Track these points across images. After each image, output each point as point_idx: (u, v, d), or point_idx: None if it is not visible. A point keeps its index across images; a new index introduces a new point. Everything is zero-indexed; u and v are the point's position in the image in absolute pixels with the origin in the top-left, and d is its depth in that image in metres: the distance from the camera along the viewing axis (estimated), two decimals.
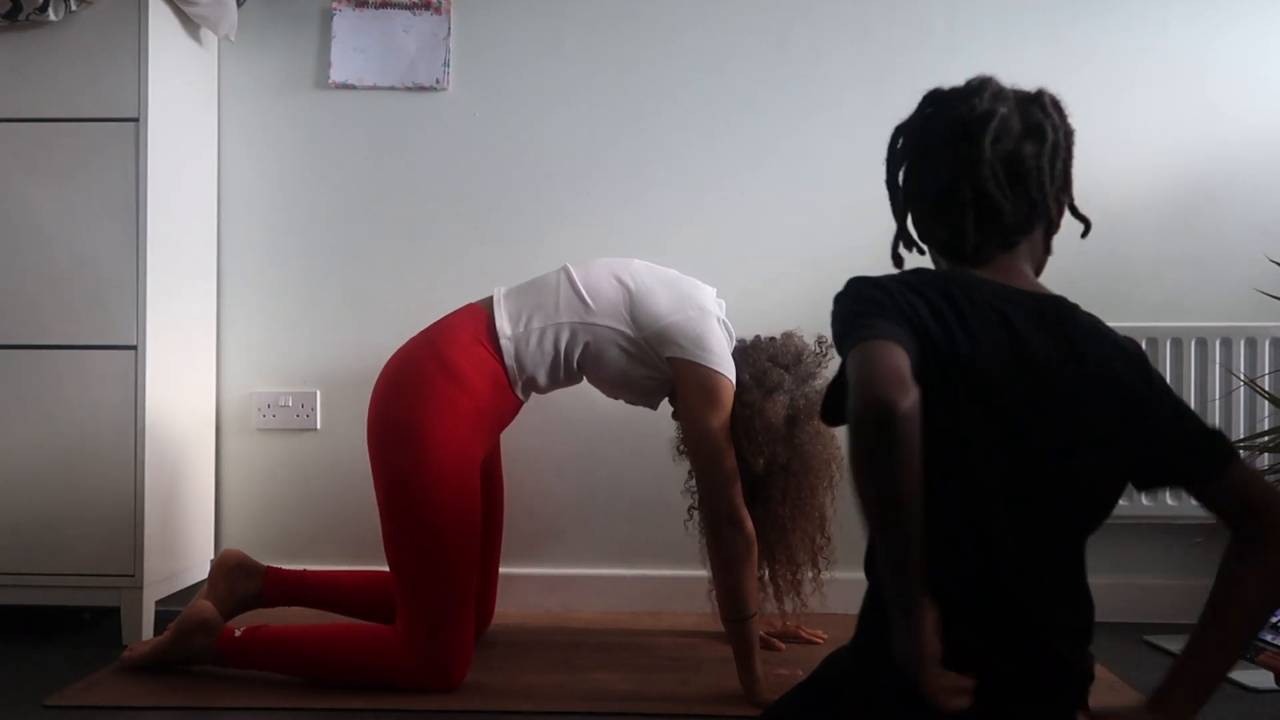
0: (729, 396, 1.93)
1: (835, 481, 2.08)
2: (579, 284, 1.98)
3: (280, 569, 2.14)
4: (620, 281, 1.99)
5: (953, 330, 1.10)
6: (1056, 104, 1.21)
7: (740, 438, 1.94)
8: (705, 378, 1.91)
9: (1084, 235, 1.26)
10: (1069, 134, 1.21)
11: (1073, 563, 1.14)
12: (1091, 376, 1.12)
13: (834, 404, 1.13)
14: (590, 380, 2.07)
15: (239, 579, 2.09)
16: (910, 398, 0.97)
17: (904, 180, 1.25)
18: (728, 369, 1.93)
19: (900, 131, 1.26)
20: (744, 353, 2.05)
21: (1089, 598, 1.15)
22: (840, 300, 1.17)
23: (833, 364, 2.10)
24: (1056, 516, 1.11)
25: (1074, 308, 1.18)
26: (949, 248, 1.21)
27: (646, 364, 1.97)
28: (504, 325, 1.96)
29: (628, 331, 1.95)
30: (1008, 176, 1.17)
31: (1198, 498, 1.17)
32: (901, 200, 1.26)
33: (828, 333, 2.50)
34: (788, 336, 2.09)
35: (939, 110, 1.21)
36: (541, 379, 1.99)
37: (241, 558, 2.11)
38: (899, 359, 1.01)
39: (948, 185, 1.18)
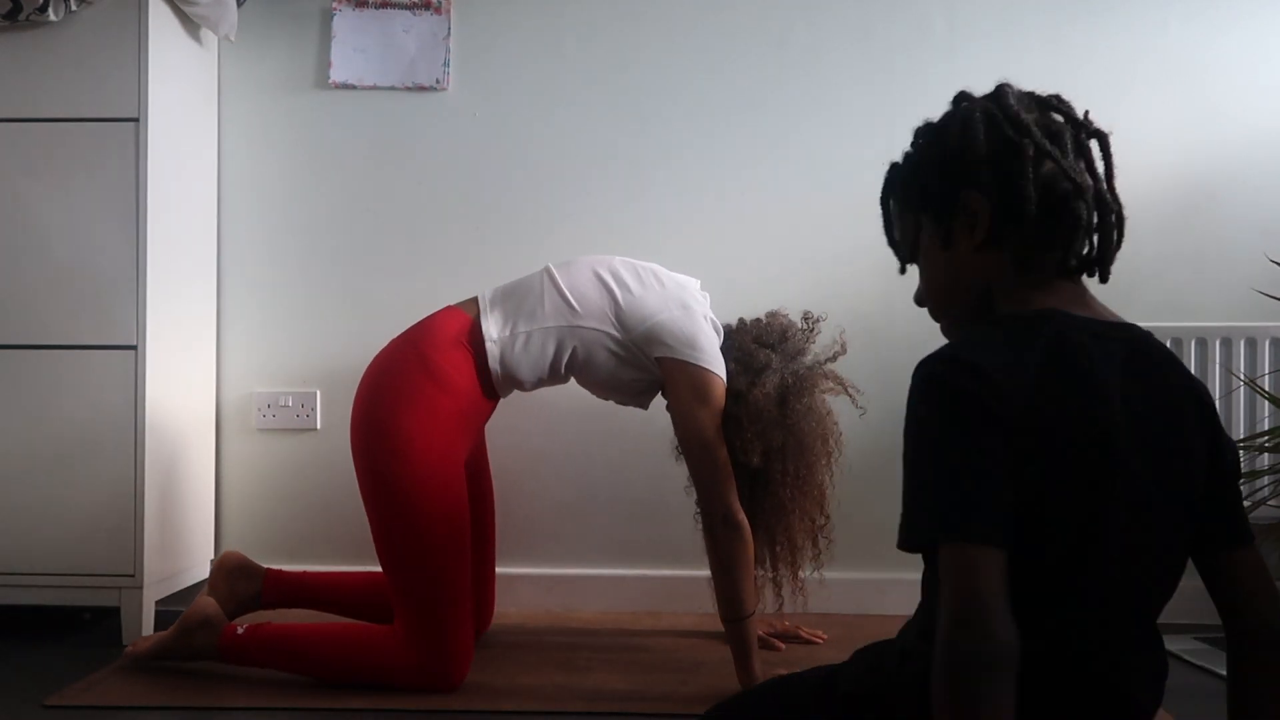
0: (720, 394, 1.92)
1: (834, 458, 2.05)
2: (563, 287, 1.97)
3: (280, 570, 2.15)
4: (603, 282, 1.98)
5: (1066, 395, 1.00)
6: None
7: (732, 436, 1.94)
8: (695, 376, 1.91)
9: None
10: None
11: (1157, 611, 1.09)
12: (1181, 411, 1.07)
13: (916, 526, 1.00)
14: (579, 382, 2.07)
15: (239, 580, 2.09)
16: (1009, 634, 0.90)
17: (1048, 183, 1.08)
18: (718, 366, 1.93)
19: (1007, 123, 1.10)
20: (728, 338, 2.04)
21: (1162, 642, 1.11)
22: (917, 422, 1.02)
23: (821, 337, 2.08)
24: (1155, 569, 1.06)
25: (1148, 336, 1.10)
26: (1080, 259, 1.09)
27: (635, 365, 1.97)
28: (490, 328, 1.95)
29: (615, 334, 1.95)
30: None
31: (1209, 567, 1.12)
32: (1018, 200, 1.08)
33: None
34: (772, 315, 2.08)
35: (1050, 110, 1.12)
36: (526, 381, 1.99)
37: (241, 559, 2.11)
38: (995, 574, 0.93)
39: (1091, 187, 1.09)
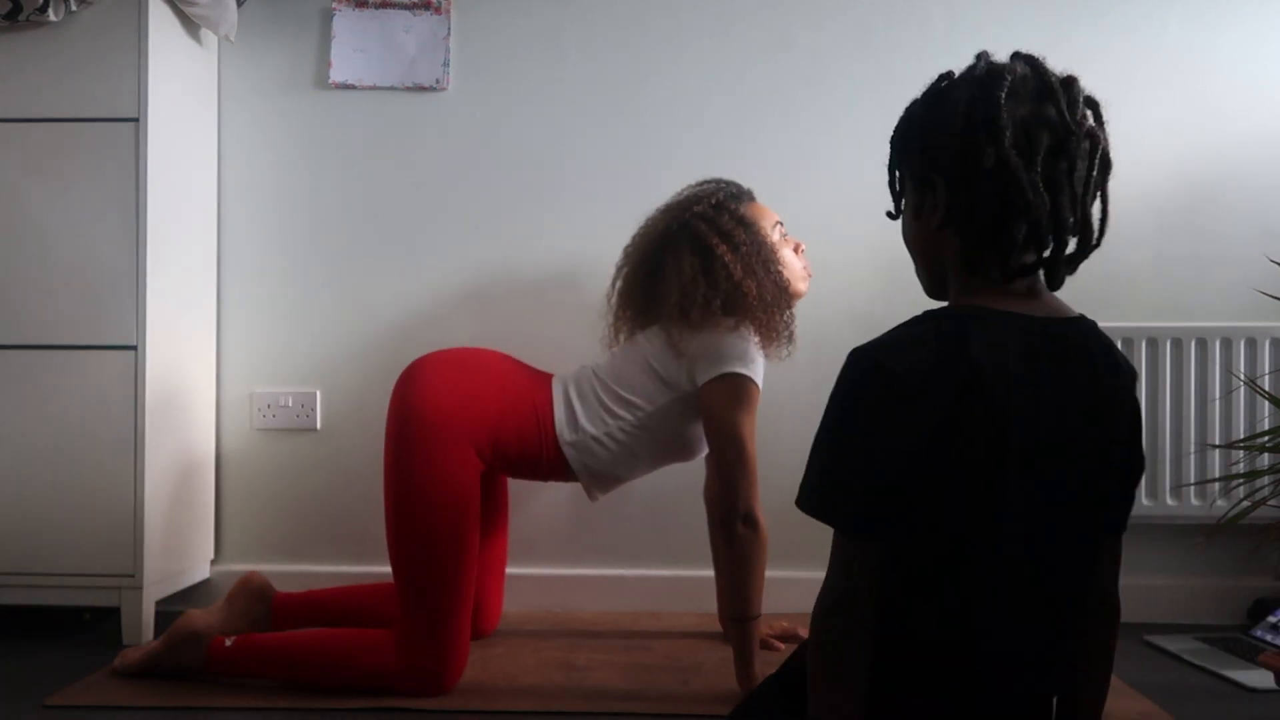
0: (755, 397, 1.94)
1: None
2: (616, 387, 1.99)
3: (287, 594, 2.15)
4: (643, 359, 2.00)
5: (975, 403, 1.06)
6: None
7: (714, 280, 1.93)
8: (731, 383, 1.91)
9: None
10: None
11: (1066, 596, 1.16)
12: (1109, 410, 1.13)
13: (816, 497, 1.13)
14: (679, 459, 2.08)
15: (255, 602, 2.11)
16: (872, 617, 1.09)
17: (989, 183, 1.09)
18: (749, 369, 1.93)
19: (966, 105, 1.10)
20: (679, 209, 2.02)
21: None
22: (833, 401, 1.12)
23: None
24: (1058, 555, 1.13)
25: (1092, 328, 1.15)
26: (1018, 269, 1.11)
27: (696, 406, 1.98)
28: (564, 432, 1.98)
29: (672, 396, 1.97)
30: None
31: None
32: (989, 207, 1.10)
33: (827, 333, 2.49)
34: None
35: (1018, 105, 1.08)
36: (623, 475, 2.03)
37: (265, 582, 2.13)
38: (869, 565, 1.09)
39: (1049, 205, 1.08)
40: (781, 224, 2.09)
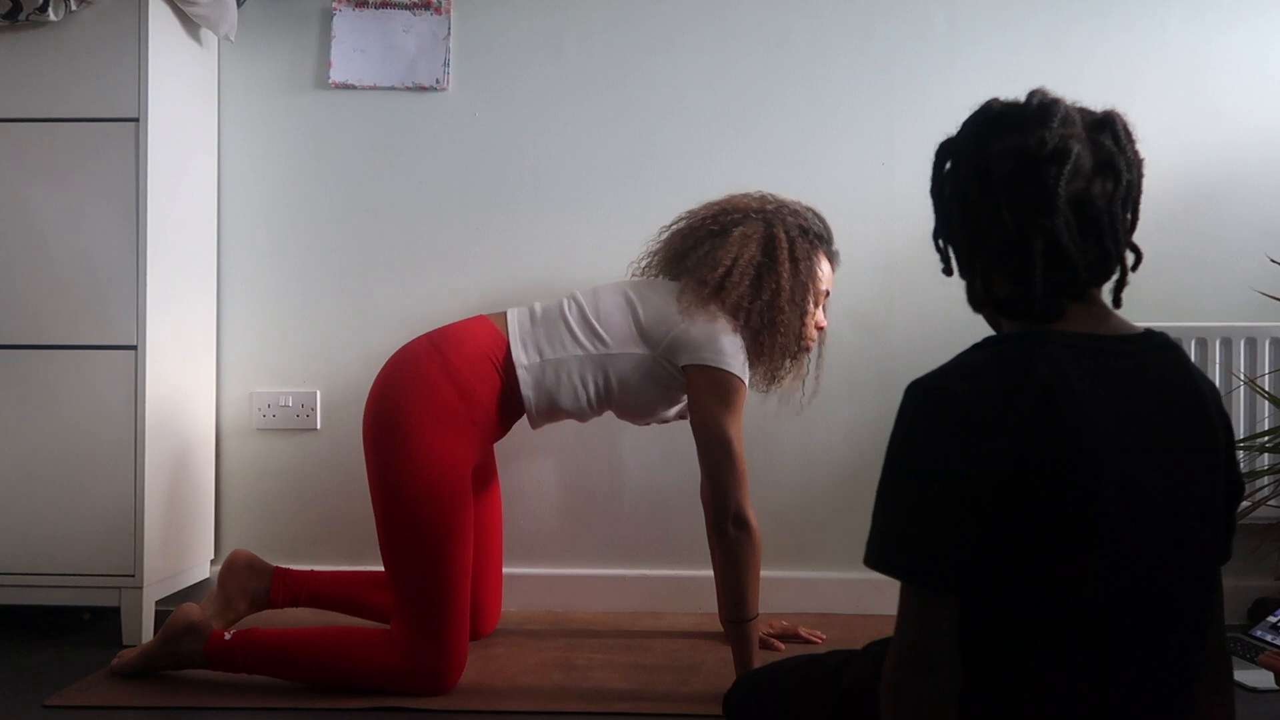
0: (742, 396, 1.93)
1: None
2: (590, 316, 1.98)
3: (287, 569, 2.15)
4: (628, 301, 1.99)
5: (1051, 429, 0.97)
6: (1128, 132, 1.06)
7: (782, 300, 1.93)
8: (719, 379, 1.91)
9: (1134, 268, 1.10)
10: (1140, 167, 1.07)
11: (1184, 641, 1.03)
12: (1206, 429, 1.04)
13: (885, 547, 1.03)
14: (618, 413, 2.08)
15: (248, 579, 2.10)
16: (952, 676, 0.98)
17: (960, 218, 1.09)
18: (739, 369, 1.93)
19: (948, 153, 1.11)
20: (774, 204, 2.03)
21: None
22: (896, 444, 1.03)
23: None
24: (1169, 594, 1.02)
25: (1165, 341, 1.07)
26: (1013, 304, 1.05)
27: (666, 381, 1.97)
28: (519, 354, 1.96)
29: (641, 352, 1.96)
30: (1078, 221, 1.01)
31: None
32: (965, 242, 1.09)
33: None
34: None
35: (997, 138, 1.05)
36: (565, 405, 2.00)
37: (250, 557, 2.13)
38: (944, 620, 0.98)
39: (1014, 234, 1.02)
40: (829, 295, 2.08)
